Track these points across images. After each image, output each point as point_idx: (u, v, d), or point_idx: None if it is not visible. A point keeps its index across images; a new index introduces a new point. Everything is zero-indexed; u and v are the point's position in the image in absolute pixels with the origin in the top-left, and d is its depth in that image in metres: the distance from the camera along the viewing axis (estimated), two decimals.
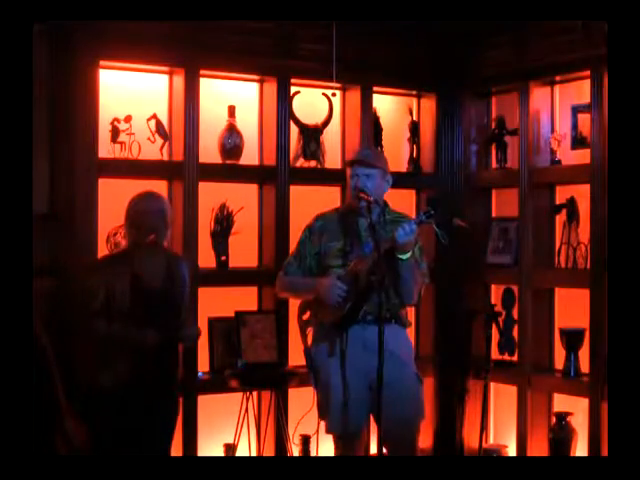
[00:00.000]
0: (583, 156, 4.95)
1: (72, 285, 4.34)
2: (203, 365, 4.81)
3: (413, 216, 3.89)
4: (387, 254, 3.77)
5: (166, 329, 3.91)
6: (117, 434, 3.86)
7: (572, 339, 4.95)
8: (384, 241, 3.78)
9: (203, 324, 4.80)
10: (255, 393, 4.84)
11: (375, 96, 5.32)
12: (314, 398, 4.03)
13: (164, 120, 4.82)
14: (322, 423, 4.03)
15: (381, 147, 5.42)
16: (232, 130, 4.95)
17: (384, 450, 3.90)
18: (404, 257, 3.77)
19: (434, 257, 5.22)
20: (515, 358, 5.26)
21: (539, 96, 5.16)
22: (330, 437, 4.05)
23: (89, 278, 3.99)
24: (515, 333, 5.28)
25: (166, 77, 4.87)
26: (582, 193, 4.96)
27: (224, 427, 4.85)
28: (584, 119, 4.98)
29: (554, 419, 4.97)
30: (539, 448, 5.06)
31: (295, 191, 5.04)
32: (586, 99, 4.89)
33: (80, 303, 4.03)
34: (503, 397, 5.49)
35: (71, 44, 4.43)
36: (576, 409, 4.96)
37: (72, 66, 4.44)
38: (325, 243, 3.97)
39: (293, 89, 5.10)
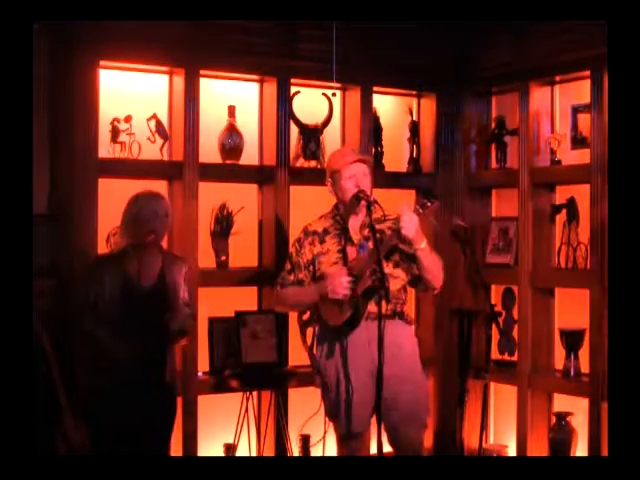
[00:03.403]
0: (583, 156, 4.95)
1: (72, 285, 4.34)
2: (203, 365, 4.81)
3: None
4: (392, 250, 3.80)
5: (155, 331, 3.92)
6: (110, 433, 3.87)
7: (572, 339, 4.95)
8: (387, 239, 3.79)
9: (203, 324, 4.81)
10: (255, 393, 4.85)
11: (375, 96, 5.31)
12: (321, 400, 4.02)
13: (164, 120, 4.82)
14: (329, 424, 4.03)
15: (381, 147, 5.42)
16: (232, 130, 4.95)
17: (389, 448, 3.92)
18: (422, 246, 3.78)
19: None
20: (515, 358, 5.26)
21: (539, 96, 5.16)
22: (331, 437, 4.05)
23: (84, 277, 4.00)
24: (515, 333, 5.29)
25: (166, 77, 4.87)
26: (582, 193, 4.96)
27: (224, 427, 4.85)
28: (584, 119, 4.98)
29: (554, 419, 4.97)
30: (539, 448, 5.06)
31: (295, 191, 5.04)
32: (586, 99, 4.89)
33: (75, 302, 4.04)
34: (503, 397, 5.49)
35: (71, 44, 4.43)
36: (576, 409, 4.96)
37: (72, 66, 4.44)
38: (317, 252, 3.96)
39: (293, 89, 5.09)
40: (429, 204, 3.78)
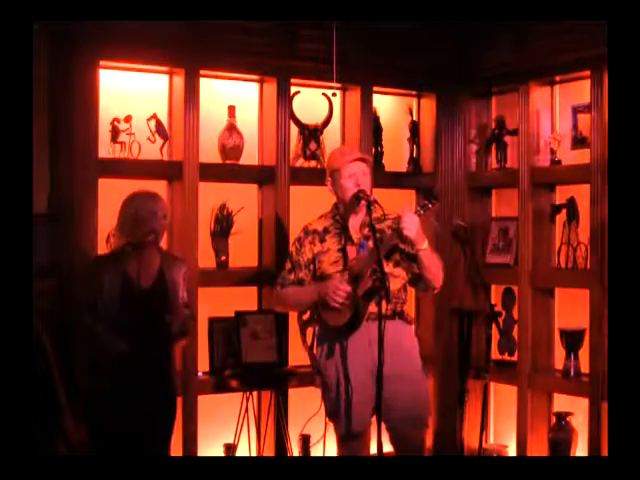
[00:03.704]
0: (583, 156, 4.95)
1: (72, 285, 4.34)
2: (203, 365, 4.81)
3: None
4: (392, 250, 3.80)
5: (155, 330, 3.92)
6: (110, 434, 3.87)
7: (572, 339, 4.95)
8: (387, 239, 3.80)
9: (203, 324, 4.81)
10: (255, 393, 4.85)
11: (375, 96, 5.32)
12: (321, 400, 4.02)
13: (164, 120, 4.82)
14: (328, 423, 4.03)
15: (381, 147, 5.42)
16: (232, 130, 4.95)
17: (390, 448, 3.92)
18: (424, 246, 3.79)
19: None
20: (515, 358, 5.26)
21: (539, 96, 5.16)
22: (331, 437, 4.05)
23: (84, 277, 3.99)
24: (515, 333, 5.29)
25: (166, 77, 4.87)
26: (582, 193, 4.96)
27: (224, 427, 4.85)
28: (584, 119, 4.98)
29: (554, 419, 4.97)
30: (539, 448, 5.06)
31: (295, 191, 5.04)
32: (586, 99, 4.89)
33: (75, 301, 4.04)
34: (503, 397, 5.50)
35: (71, 44, 4.43)
36: (576, 409, 4.96)
37: (72, 66, 4.44)
38: (318, 252, 3.96)
39: (293, 89, 5.09)
40: (430, 205, 3.79)
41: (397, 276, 3.91)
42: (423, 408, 3.97)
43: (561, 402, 5.13)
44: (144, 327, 3.91)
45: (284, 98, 5.00)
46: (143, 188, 4.09)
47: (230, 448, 4.76)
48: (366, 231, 3.89)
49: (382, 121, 5.42)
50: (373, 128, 5.32)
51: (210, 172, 4.83)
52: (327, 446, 4.41)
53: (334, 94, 5.02)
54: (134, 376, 3.90)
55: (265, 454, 4.87)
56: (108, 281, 3.91)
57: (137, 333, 3.89)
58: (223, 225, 4.89)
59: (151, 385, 3.95)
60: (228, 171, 4.95)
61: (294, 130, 5.12)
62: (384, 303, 3.59)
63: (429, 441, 5.40)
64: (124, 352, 3.85)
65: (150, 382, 3.94)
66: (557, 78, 5.16)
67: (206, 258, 4.85)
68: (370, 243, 3.82)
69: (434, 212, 3.94)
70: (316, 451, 4.80)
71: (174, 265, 4.09)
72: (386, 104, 5.53)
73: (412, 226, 3.70)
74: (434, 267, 3.89)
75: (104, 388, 3.90)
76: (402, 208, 3.80)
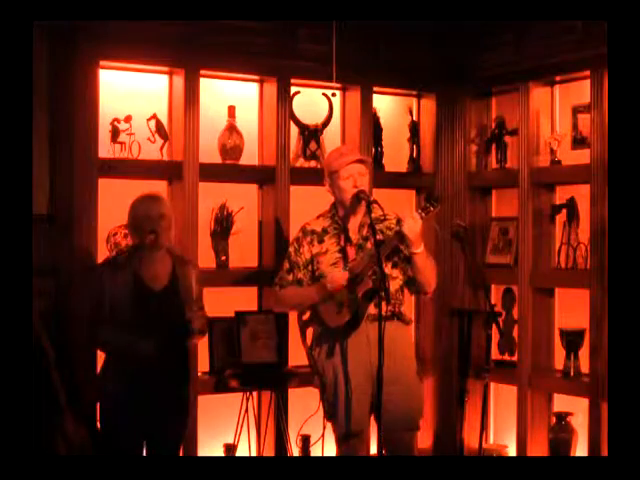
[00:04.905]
0: (583, 156, 4.95)
1: (72, 286, 4.34)
2: (203, 365, 4.81)
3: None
4: (392, 251, 3.81)
5: (170, 331, 3.91)
6: (127, 438, 3.87)
7: (572, 339, 4.95)
8: (388, 240, 3.80)
9: None
10: (255, 393, 4.85)
11: (375, 96, 5.32)
12: (319, 400, 4.02)
13: (164, 120, 4.82)
14: (327, 424, 4.03)
15: (381, 147, 5.42)
16: (232, 130, 4.95)
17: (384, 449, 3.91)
18: (419, 250, 3.79)
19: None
20: (515, 358, 5.26)
21: (539, 96, 5.16)
22: (331, 436, 4.05)
23: (92, 283, 3.97)
24: (515, 333, 5.29)
25: (166, 77, 4.87)
26: (582, 193, 4.96)
27: (224, 427, 4.85)
28: (584, 119, 4.98)
29: (554, 419, 4.97)
30: (539, 448, 5.06)
31: (295, 191, 5.04)
32: (586, 99, 4.89)
33: (83, 308, 4.02)
34: (503, 397, 5.49)
35: (71, 44, 4.43)
36: (576, 409, 4.96)
37: (72, 66, 4.44)
38: (316, 252, 3.97)
39: (293, 89, 5.10)
40: (432, 208, 3.80)
41: (395, 277, 3.91)
42: (415, 410, 3.98)
43: (561, 402, 5.12)
44: (162, 327, 3.89)
45: (284, 98, 5.00)
46: (149, 191, 4.10)
47: (230, 448, 4.76)
48: (365, 232, 3.89)
49: (382, 121, 5.42)
50: (373, 128, 5.32)
51: (210, 172, 4.82)
52: (326, 446, 4.41)
53: (334, 94, 5.02)
54: (152, 379, 3.88)
55: (265, 454, 4.87)
56: (119, 285, 3.88)
57: (156, 332, 3.87)
58: (223, 225, 4.90)
59: (163, 390, 3.93)
60: (228, 171, 4.95)
61: (294, 130, 5.12)
62: (384, 304, 3.59)
63: (429, 441, 5.41)
64: (146, 354, 3.82)
65: (162, 387, 3.92)
66: (557, 78, 5.16)
67: (206, 258, 4.84)
68: (369, 244, 3.83)
69: (435, 215, 3.95)
70: (315, 451, 4.80)
71: (186, 267, 4.09)
72: (386, 104, 5.53)
73: (413, 228, 3.71)
74: (427, 271, 3.89)
75: (120, 391, 3.88)
76: (403, 211, 3.81)
